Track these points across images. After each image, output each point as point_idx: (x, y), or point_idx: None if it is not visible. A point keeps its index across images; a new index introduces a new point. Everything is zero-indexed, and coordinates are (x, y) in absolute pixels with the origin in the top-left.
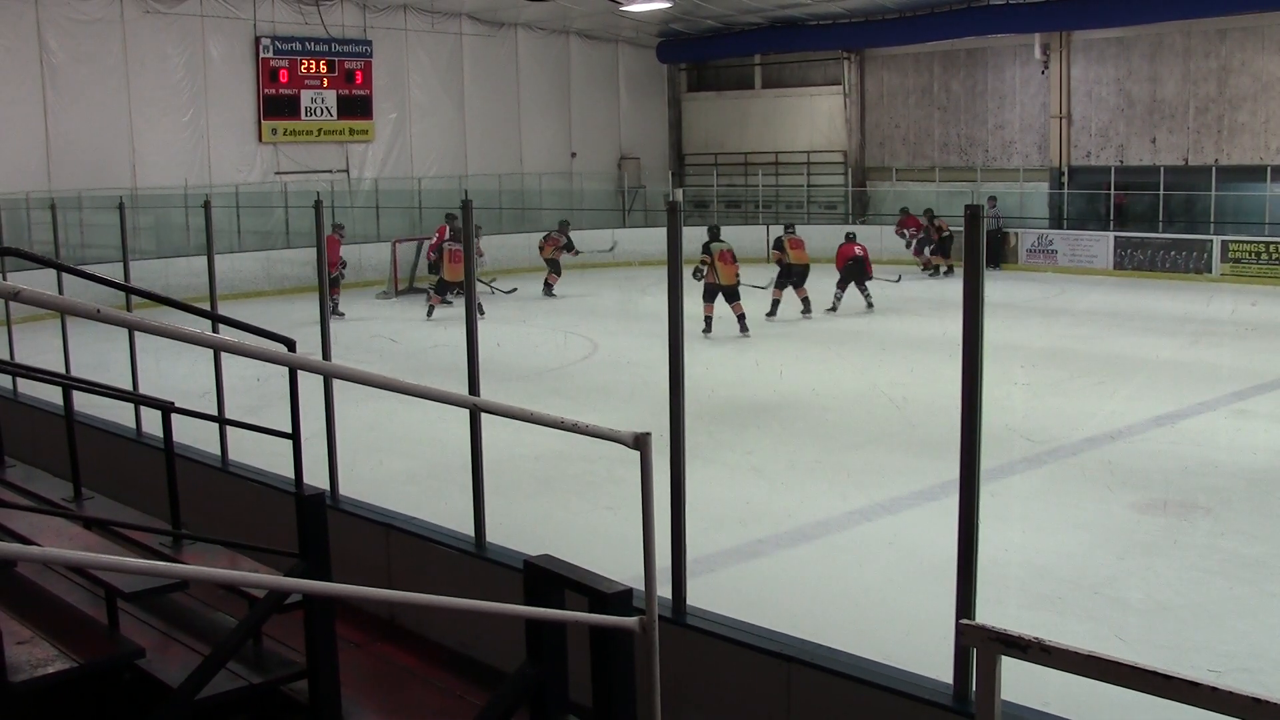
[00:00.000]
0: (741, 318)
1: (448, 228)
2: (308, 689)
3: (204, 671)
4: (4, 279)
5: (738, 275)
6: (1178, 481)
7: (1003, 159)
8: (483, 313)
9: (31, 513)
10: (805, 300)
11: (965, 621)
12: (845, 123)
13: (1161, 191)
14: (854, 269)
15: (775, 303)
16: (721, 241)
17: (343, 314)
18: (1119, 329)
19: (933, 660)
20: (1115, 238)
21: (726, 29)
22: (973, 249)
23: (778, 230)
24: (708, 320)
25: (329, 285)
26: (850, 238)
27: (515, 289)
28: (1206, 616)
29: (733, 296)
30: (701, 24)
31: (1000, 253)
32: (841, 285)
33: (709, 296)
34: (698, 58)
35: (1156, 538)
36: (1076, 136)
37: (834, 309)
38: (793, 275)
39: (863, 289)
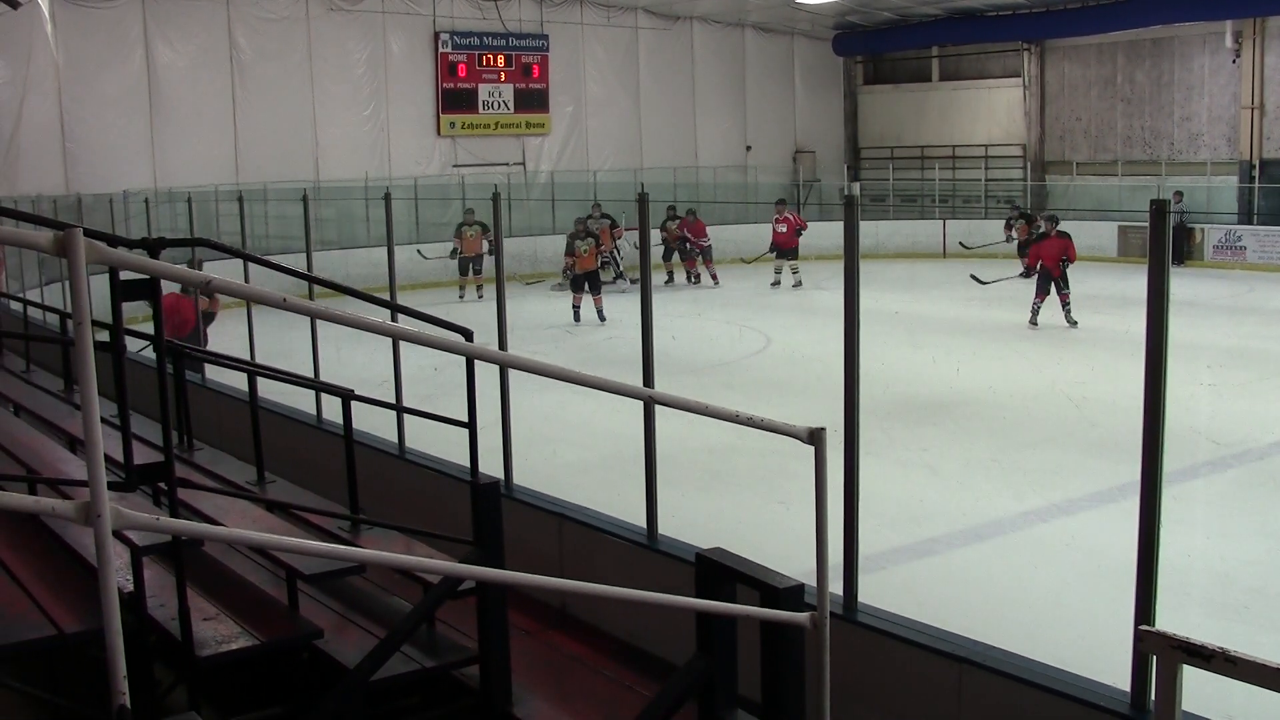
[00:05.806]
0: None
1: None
2: (479, 674)
3: (380, 654)
4: (194, 268)
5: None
6: None
7: (1189, 152)
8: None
9: (217, 494)
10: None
11: (1146, 628)
12: (1024, 115)
13: None
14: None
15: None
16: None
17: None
18: None
19: (1109, 666)
20: None
21: (903, 20)
22: (1158, 245)
23: (953, 224)
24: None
25: None
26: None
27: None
28: None
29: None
30: (878, 16)
31: (1184, 249)
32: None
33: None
34: (874, 50)
35: None
36: (1269, 128)
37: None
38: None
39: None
